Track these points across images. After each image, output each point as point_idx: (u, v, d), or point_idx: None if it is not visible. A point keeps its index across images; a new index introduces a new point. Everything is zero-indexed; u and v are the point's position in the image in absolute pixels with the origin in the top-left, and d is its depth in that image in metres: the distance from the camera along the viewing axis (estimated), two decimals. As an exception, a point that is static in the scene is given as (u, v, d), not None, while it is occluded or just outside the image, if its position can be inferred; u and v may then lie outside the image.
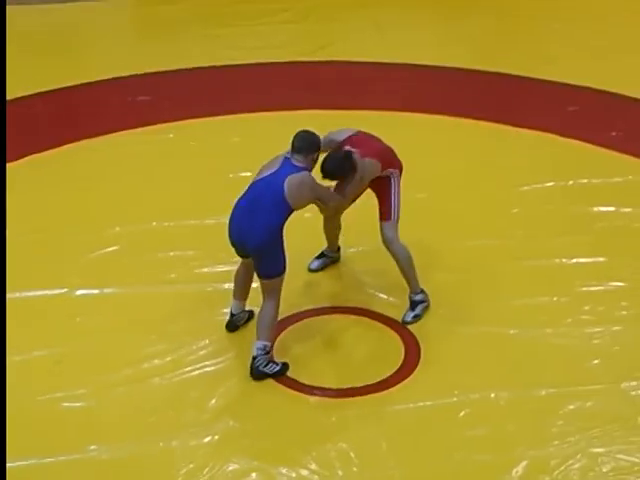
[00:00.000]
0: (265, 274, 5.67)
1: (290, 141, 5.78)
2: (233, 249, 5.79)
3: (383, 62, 9.57)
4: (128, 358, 5.89)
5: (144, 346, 6.00)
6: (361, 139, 6.08)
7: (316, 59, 9.70)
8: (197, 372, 5.81)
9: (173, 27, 10.50)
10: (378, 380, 5.73)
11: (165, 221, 7.17)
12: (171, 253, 6.82)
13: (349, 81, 9.28)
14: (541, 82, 9.15)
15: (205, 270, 6.66)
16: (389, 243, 6.14)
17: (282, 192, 5.54)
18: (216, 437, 5.37)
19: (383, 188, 6.15)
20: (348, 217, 6.43)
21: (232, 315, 6.08)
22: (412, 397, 5.63)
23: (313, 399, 5.61)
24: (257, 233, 5.56)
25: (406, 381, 5.73)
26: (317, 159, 5.82)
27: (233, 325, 6.10)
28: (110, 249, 6.88)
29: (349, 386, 5.70)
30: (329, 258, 6.69)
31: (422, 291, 6.23)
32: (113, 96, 9.15)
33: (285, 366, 5.77)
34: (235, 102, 8.85)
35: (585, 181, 7.64)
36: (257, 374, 5.69)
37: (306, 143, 5.75)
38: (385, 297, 6.36)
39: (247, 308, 6.10)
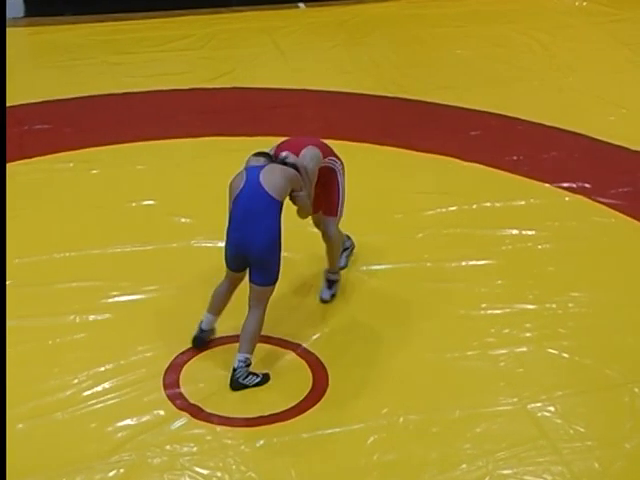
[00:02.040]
0: (262, 281, 5.81)
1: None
2: (228, 265, 5.90)
3: (286, 88, 9.64)
4: (28, 392, 5.80)
5: (47, 379, 5.91)
6: (288, 142, 6.33)
7: (218, 86, 9.73)
8: (100, 405, 5.75)
9: (71, 54, 10.40)
10: (286, 408, 5.74)
11: (66, 251, 7.09)
12: (73, 284, 6.75)
13: (252, 107, 9.31)
14: (442, 107, 9.32)
15: (109, 300, 6.61)
16: (329, 238, 6.45)
17: (264, 191, 5.75)
18: (121, 470, 5.32)
19: (329, 183, 6.40)
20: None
21: (202, 331, 6.09)
22: (320, 424, 5.65)
23: (220, 428, 5.60)
24: (260, 239, 5.74)
25: (314, 408, 5.76)
26: None
27: (201, 341, 6.10)
28: (7, 282, 6.76)
29: (257, 415, 5.70)
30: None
31: (338, 271, 6.57)
32: (10, 125, 8.99)
33: (266, 377, 5.87)
34: (137, 129, 8.81)
35: (488, 204, 7.79)
36: (237, 386, 5.79)
37: (261, 154, 6.06)
38: (288, 320, 6.40)
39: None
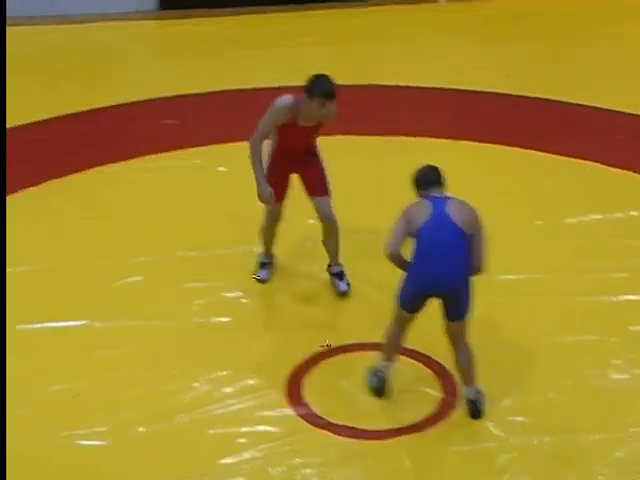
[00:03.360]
0: (463, 314, 5.63)
1: (413, 179, 5.67)
2: (407, 305, 5.64)
3: (418, 86, 9.55)
4: (149, 394, 5.84)
5: (166, 381, 5.94)
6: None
7: (350, 82, 9.68)
8: (221, 410, 5.75)
9: (201, 47, 10.54)
10: (414, 422, 5.64)
11: (191, 250, 7.14)
12: (196, 284, 6.78)
13: (383, 105, 9.26)
14: (582, 108, 9.09)
15: (231, 302, 6.62)
16: (331, 219, 6.45)
17: (459, 227, 5.50)
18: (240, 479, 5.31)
19: (312, 157, 6.40)
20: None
21: (383, 380, 5.80)
22: (449, 440, 5.53)
23: (345, 440, 5.52)
24: (457, 272, 5.52)
25: (443, 422, 5.64)
26: None
27: (384, 392, 5.83)
28: (132, 279, 6.84)
29: (384, 428, 5.61)
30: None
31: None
32: (137, 119, 9.17)
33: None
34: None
35: (635, 213, 7.55)
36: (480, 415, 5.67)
37: (439, 175, 5.72)
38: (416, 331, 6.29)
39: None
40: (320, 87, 6.15)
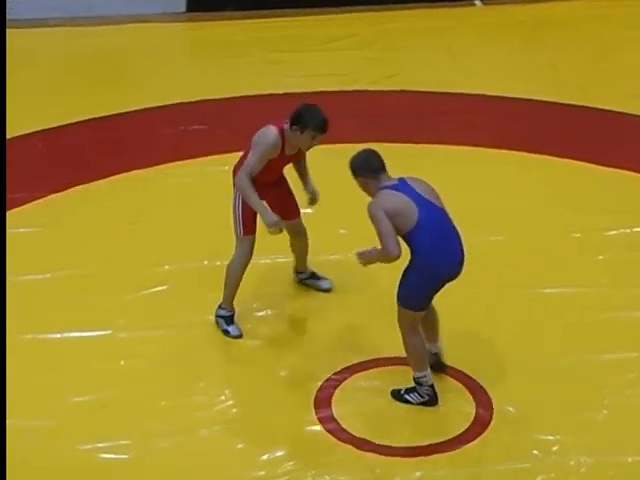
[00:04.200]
0: None
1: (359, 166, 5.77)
2: (425, 303, 5.70)
3: (456, 92, 9.55)
4: (175, 406, 5.89)
5: (192, 393, 5.99)
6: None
7: (382, 88, 9.72)
8: (248, 425, 5.78)
9: (230, 50, 10.58)
10: (446, 439, 5.65)
11: (218, 259, 7.18)
12: (221, 294, 6.81)
13: (418, 112, 9.26)
14: (631, 117, 9.06)
15: (260, 313, 6.66)
16: (306, 234, 6.60)
17: (438, 205, 5.67)
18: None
19: (284, 180, 6.50)
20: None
21: (433, 388, 5.87)
22: (482, 459, 5.54)
23: (374, 457, 5.54)
24: (462, 249, 5.67)
25: (476, 440, 5.65)
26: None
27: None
28: (158, 288, 6.91)
29: (415, 444, 5.63)
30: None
31: None
32: (165, 124, 9.21)
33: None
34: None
35: (680, 228, 7.54)
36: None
37: (381, 158, 5.84)
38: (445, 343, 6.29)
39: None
40: (313, 120, 6.07)
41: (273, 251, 6.92)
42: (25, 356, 6.24)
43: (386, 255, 5.51)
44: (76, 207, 7.87)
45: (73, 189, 8.08)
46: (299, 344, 6.48)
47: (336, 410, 5.86)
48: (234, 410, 5.90)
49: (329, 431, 5.72)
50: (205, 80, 10.04)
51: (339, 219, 7.50)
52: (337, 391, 6.00)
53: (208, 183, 8.18)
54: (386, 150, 8.42)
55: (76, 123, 9.20)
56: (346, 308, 6.68)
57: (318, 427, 5.76)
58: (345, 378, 6.09)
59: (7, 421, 5.14)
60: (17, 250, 7.14)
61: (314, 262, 6.93)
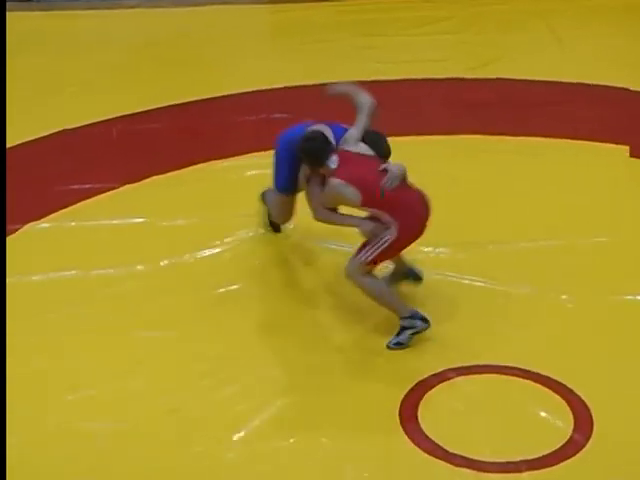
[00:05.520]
0: None
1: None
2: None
3: (560, 81, 9.46)
4: (244, 417, 5.90)
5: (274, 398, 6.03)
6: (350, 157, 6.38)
7: (479, 76, 9.66)
8: (330, 434, 5.79)
9: (315, 35, 10.61)
10: (539, 455, 5.59)
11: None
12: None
13: (518, 102, 9.20)
14: None
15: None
16: None
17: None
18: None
19: None
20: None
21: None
22: (582, 478, 5.47)
23: (462, 471, 5.50)
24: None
25: (573, 459, 5.56)
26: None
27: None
28: (233, 287, 6.96)
29: (505, 460, 5.58)
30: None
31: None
32: (246, 112, 9.27)
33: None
34: (382, 123, 8.82)
35: None
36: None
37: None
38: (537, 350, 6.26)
39: None
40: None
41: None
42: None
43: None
44: (149, 199, 7.94)
45: (148, 180, 8.17)
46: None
47: (422, 419, 5.81)
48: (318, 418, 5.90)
49: (412, 440, 5.68)
50: (288, 66, 10.09)
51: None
52: (425, 398, 5.96)
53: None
54: (481, 144, 8.46)
55: (153, 110, 9.32)
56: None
57: (404, 437, 5.72)
58: (433, 385, 6.05)
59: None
60: (83, 244, 7.27)
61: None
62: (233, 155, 8.53)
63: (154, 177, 8.20)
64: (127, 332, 6.51)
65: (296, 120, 8.98)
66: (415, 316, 6.31)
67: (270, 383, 6.13)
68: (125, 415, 5.87)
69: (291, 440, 5.75)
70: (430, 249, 7.10)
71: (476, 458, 5.57)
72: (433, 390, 6.03)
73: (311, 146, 6.34)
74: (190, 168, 8.34)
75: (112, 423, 5.79)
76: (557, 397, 5.96)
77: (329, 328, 6.52)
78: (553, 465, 5.52)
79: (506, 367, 6.14)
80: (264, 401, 5.99)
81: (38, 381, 6.09)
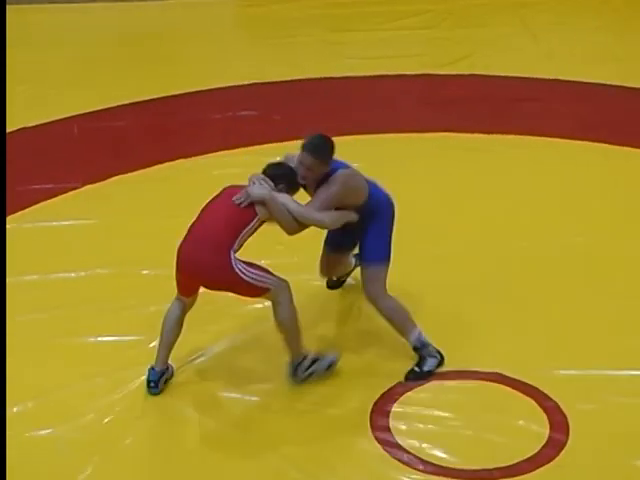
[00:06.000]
0: None
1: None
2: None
3: (535, 77, 9.46)
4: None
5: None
6: None
7: (453, 72, 9.65)
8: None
9: (285, 30, 10.60)
10: (514, 462, 5.56)
11: (270, 258, 7.15)
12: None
13: (493, 99, 9.22)
14: None
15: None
16: None
17: None
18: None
19: None
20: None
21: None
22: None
23: (430, 478, 5.47)
24: None
25: (548, 466, 5.53)
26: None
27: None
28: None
29: (479, 467, 5.54)
30: None
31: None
32: (214, 110, 9.25)
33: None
34: (353, 121, 8.83)
35: None
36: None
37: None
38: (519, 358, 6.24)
39: None
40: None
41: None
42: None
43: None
44: (112, 199, 7.89)
45: (112, 179, 8.11)
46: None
47: (393, 425, 5.78)
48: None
49: (388, 451, 5.64)
50: (258, 62, 10.08)
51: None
52: (395, 405, 5.92)
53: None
54: (454, 141, 8.45)
55: (118, 107, 9.29)
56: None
57: (375, 443, 5.69)
58: (404, 392, 6.00)
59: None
60: (45, 246, 7.20)
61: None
62: (200, 153, 8.50)
63: (118, 176, 8.15)
64: (87, 336, 6.44)
65: (265, 118, 9.02)
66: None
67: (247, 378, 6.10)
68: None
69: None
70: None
71: (448, 466, 5.55)
72: (405, 396, 6.00)
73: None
74: (156, 167, 8.32)
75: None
76: (533, 403, 5.94)
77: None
78: (527, 472, 5.50)
79: (480, 372, 6.12)
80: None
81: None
